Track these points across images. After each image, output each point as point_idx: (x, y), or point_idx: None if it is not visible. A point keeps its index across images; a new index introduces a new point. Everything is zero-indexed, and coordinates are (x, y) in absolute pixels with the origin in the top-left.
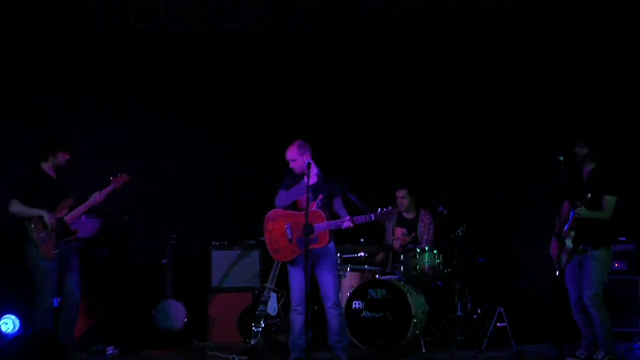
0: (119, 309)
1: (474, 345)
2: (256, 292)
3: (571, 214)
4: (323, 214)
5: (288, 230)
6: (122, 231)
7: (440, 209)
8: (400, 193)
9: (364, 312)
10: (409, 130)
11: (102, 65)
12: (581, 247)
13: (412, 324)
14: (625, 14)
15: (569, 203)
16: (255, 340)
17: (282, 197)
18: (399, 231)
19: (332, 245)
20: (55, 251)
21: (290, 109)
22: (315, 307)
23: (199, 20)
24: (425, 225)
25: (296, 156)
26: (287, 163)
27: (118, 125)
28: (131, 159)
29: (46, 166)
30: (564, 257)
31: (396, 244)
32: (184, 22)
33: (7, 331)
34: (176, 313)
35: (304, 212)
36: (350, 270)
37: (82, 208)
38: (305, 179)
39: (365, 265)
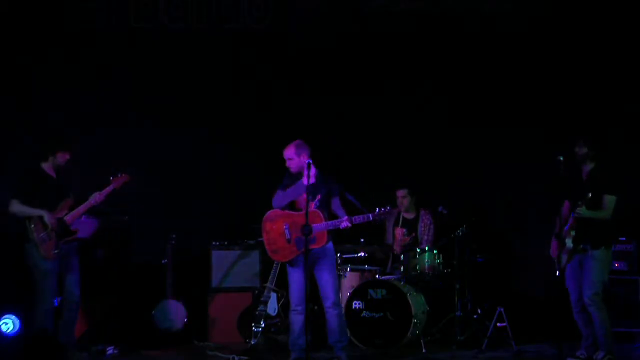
0: (119, 309)
1: (474, 345)
2: (256, 292)
3: (571, 213)
4: (321, 214)
5: (286, 231)
6: (122, 231)
7: (440, 209)
8: (401, 193)
9: (364, 312)
10: (409, 130)
11: (102, 65)
12: (581, 246)
13: (412, 324)
14: (625, 14)
15: (569, 203)
16: (255, 340)
17: (279, 197)
18: (399, 231)
19: (330, 245)
20: (55, 251)
21: (290, 109)
22: (315, 307)
23: (199, 20)
24: (425, 225)
25: (293, 155)
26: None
27: (118, 125)
28: (131, 159)
29: (46, 166)
30: (564, 257)
31: (397, 249)
32: (184, 22)
33: (7, 331)
34: (176, 313)
35: (302, 212)
36: (350, 270)
37: (82, 208)
38: (305, 179)
39: (365, 265)
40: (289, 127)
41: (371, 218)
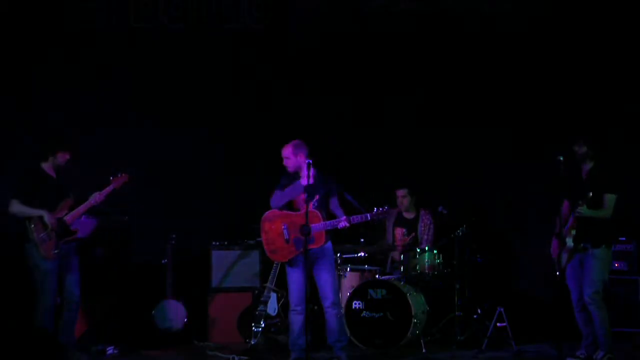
0: (119, 309)
1: (474, 345)
2: (256, 292)
3: (572, 213)
4: (319, 214)
5: (285, 231)
6: (122, 231)
7: (440, 209)
8: (401, 192)
9: (364, 312)
10: (409, 130)
11: (102, 65)
12: (582, 245)
13: (412, 324)
14: (625, 14)
15: (569, 202)
16: (255, 340)
17: (277, 197)
18: (399, 231)
19: (329, 245)
20: (55, 251)
21: (290, 109)
22: (315, 308)
23: (199, 20)
24: (425, 225)
25: (290, 155)
26: None
27: (118, 125)
28: (131, 158)
29: (46, 166)
30: (564, 257)
31: (397, 256)
32: (184, 22)
33: None
34: (176, 313)
35: (300, 212)
36: (350, 270)
37: (82, 208)
38: (304, 179)
39: (365, 265)
40: (289, 127)
41: (369, 218)
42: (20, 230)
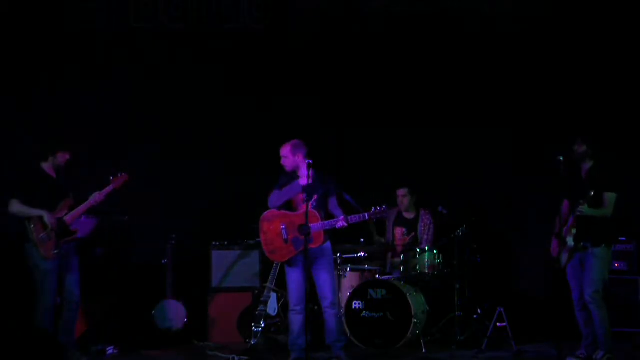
0: (119, 309)
1: (474, 345)
2: (256, 292)
3: (572, 212)
4: (318, 214)
5: (283, 231)
6: (122, 231)
7: (440, 209)
8: (401, 192)
9: (364, 312)
10: (409, 130)
11: (102, 65)
12: (582, 244)
13: (412, 324)
14: (625, 14)
15: (569, 202)
16: (255, 340)
17: (275, 196)
18: (399, 231)
19: (328, 244)
20: (55, 251)
21: (290, 109)
22: (315, 307)
23: (199, 20)
24: (425, 225)
25: (288, 154)
26: None
27: (118, 125)
28: (131, 159)
29: (46, 166)
30: (564, 256)
31: (396, 256)
32: (184, 22)
33: None
34: (176, 313)
35: (298, 212)
36: (350, 270)
37: (82, 208)
38: (304, 179)
39: (365, 265)
40: (289, 127)
41: (367, 217)
42: (20, 230)
